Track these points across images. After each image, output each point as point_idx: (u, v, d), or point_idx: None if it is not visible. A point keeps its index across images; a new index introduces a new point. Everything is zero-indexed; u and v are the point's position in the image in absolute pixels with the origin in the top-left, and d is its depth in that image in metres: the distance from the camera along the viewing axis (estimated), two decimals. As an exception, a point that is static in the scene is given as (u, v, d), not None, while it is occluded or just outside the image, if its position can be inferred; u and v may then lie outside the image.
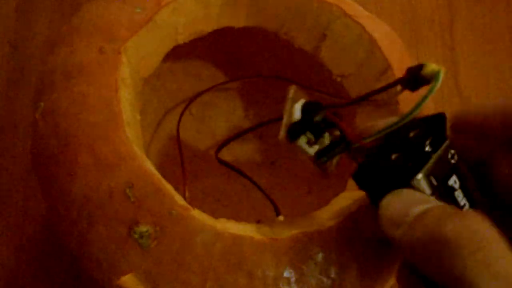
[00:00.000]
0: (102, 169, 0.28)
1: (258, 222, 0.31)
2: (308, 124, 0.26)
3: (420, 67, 0.24)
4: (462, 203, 0.23)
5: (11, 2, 0.50)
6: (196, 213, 0.28)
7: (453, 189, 0.23)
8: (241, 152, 0.45)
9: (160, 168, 0.43)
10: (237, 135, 0.29)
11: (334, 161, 0.27)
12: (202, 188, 0.43)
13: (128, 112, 0.30)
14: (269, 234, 0.28)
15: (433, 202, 0.21)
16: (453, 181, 0.23)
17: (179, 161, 0.42)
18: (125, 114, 0.29)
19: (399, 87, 0.26)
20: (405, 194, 0.22)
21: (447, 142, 0.24)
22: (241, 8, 0.34)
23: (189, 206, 0.28)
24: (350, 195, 0.31)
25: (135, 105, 0.32)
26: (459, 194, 0.23)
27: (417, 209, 0.21)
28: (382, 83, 0.28)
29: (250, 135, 0.45)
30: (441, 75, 0.24)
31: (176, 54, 0.44)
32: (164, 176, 0.29)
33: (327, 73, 0.35)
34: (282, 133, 0.26)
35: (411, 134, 0.24)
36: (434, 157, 0.23)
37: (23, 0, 0.50)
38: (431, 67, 0.24)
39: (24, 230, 0.43)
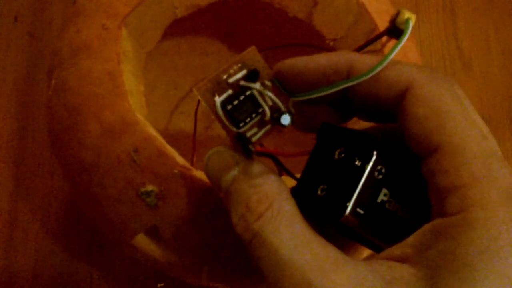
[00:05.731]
0: (109, 136, 0.30)
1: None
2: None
3: (397, 14, 0.24)
4: (394, 210, 0.23)
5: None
6: (198, 173, 0.30)
7: (383, 203, 0.22)
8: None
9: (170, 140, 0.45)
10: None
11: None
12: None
13: (131, 82, 0.32)
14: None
15: (239, 166, 0.24)
16: (383, 195, 0.22)
17: (184, 134, 0.44)
18: (128, 84, 0.31)
19: (384, 39, 0.26)
20: (221, 156, 0.24)
21: (374, 158, 0.22)
22: (234, -20, 0.36)
23: (190, 167, 0.30)
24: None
25: (139, 77, 0.34)
26: (390, 203, 0.23)
27: (228, 176, 0.24)
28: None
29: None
30: (411, 24, 0.23)
31: (181, 31, 0.46)
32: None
33: (321, 39, 0.37)
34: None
35: (336, 155, 0.23)
36: (360, 184, 0.22)
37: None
38: (404, 14, 0.23)
39: (50, 206, 0.46)
